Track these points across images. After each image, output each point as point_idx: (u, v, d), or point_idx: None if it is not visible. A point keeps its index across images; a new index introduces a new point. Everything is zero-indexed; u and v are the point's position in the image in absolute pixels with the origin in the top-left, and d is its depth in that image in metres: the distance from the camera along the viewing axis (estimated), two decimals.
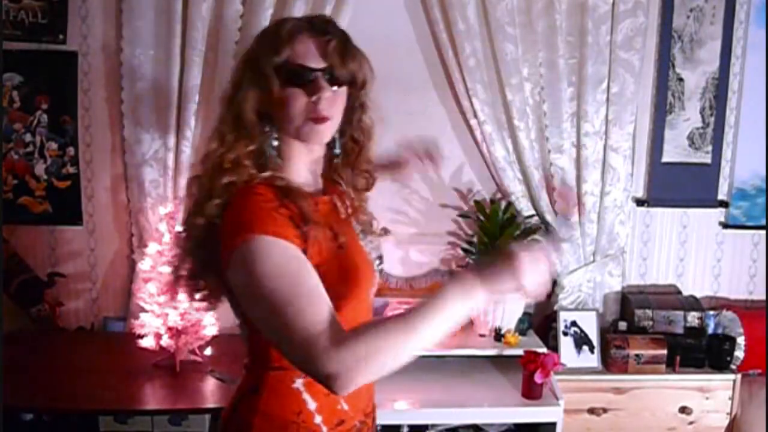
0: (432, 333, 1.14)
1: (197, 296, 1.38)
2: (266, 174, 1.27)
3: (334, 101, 1.27)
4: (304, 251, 1.20)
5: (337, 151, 1.38)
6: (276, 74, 1.24)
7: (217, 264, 1.27)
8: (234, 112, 1.28)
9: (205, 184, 1.29)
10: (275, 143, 1.30)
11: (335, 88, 1.27)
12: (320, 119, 1.26)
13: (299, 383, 1.30)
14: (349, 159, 1.40)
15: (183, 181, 2.49)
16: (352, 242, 1.36)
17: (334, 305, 1.17)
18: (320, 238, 1.24)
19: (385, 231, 1.50)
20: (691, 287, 2.94)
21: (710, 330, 2.75)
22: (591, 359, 2.67)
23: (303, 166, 1.34)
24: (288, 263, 1.17)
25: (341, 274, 1.25)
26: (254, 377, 1.33)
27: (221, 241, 1.23)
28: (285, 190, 1.25)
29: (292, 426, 1.29)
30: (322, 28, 1.27)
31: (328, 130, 1.29)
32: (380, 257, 1.45)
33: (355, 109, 1.34)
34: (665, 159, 2.83)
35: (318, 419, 1.30)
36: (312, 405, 1.30)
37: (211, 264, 1.30)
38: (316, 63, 1.25)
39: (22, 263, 2.58)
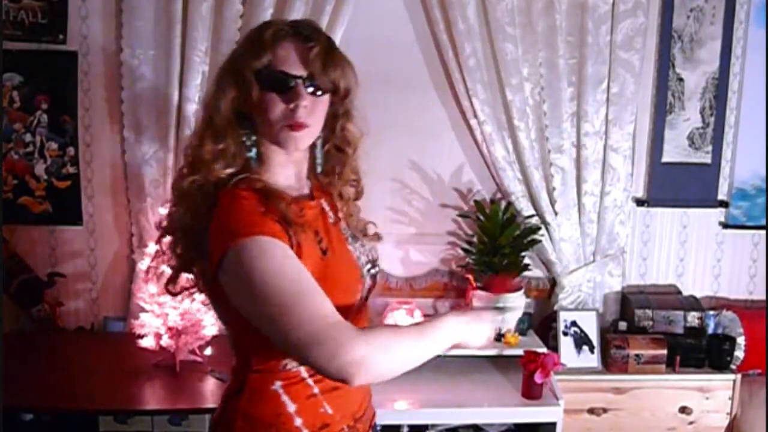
0: (431, 348, 1.20)
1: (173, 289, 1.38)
2: (242, 176, 1.26)
3: (313, 109, 1.26)
4: None
5: (318, 158, 1.37)
6: (256, 78, 1.24)
7: (195, 265, 1.29)
8: (209, 112, 1.28)
9: (175, 186, 1.32)
10: (254, 145, 1.30)
11: (319, 92, 1.26)
12: (297, 126, 1.25)
13: (278, 385, 1.29)
14: (334, 168, 1.39)
15: None
16: (339, 247, 1.35)
17: None
18: (302, 242, 1.23)
19: (378, 237, 1.48)
20: (691, 287, 2.94)
21: (710, 330, 2.75)
22: (591, 359, 2.67)
23: (283, 169, 1.33)
24: (288, 261, 1.17)
25: (323, 280, 1.22)
26: (238, 380, 1.33)
27: (210, 246, 1.22)
28: (264, 193, 1.25)
29: (271, 428, 1.29)
30: (305, 34, 1.26)
31: (306, 137, 1.28)
32: (373, 261, 1.43)
33: (337, 117, 1.33)
34: (665, 159, 2.83)
35: (298, 421, 1.29)
36: (291, 407, 1.29)
37: (193, 265, 1.32)
38: (297, 70, 1.24)
39: (22, 263, 2.58)
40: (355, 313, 1.34)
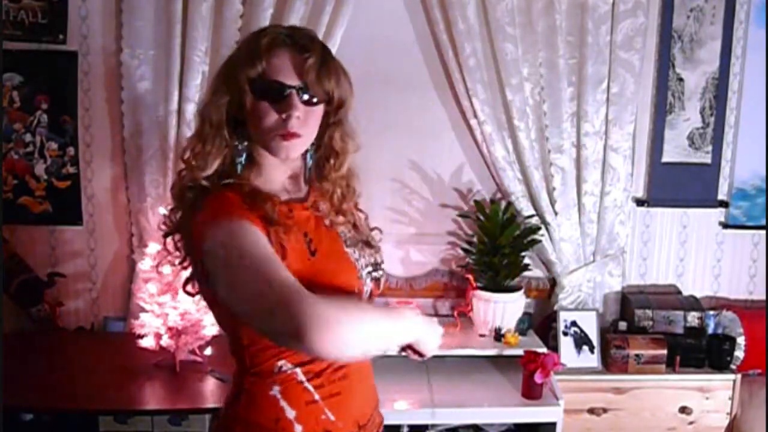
0: (393, 331, 1.21)
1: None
2: (231, 180, 1.27)
3: (306, 119, 1.26)
4: None
5: (309, 165, 1.37)
6: (250, 87, 1.24)
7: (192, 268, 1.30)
8: (203, 116, 1.29)
9: (172, 188, 1.34)
10: (245, 151, 1.30)
11: (314, 100, 1.26)
12: (289, 136, 1.25)
13: (276, 390, 1.28)
14: (325, 175, 1.38)
15: None
16: (333, 249, 1.34)
17: None
18: (285, 242, 1.23)
19: (377, 249, 1.47)
20: (691, 287, 2.94)
21: (710, 330, 2.75)
22: (591, 359, 2.67)
23: (277, 174, 1.33)
24: (260, 242, 1.18)
25: (312, 279, 1.22)
26: (237, 384, 1.33)
27: (194, 240, 1.23)
28: (251, 195, 1.26)
29: None
30: (302, 43, 1.26)
31: (298, 146, 1.28)
32: (375, 264, 1.42)
33: (329, 126, 1.33)
34: (665, 159, 2.83)
35: (298, 428, 1.27)
36: (290, 413, 1.27)
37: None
38: (291, 80, 1.24)
39: (22, 263, 2.58)
40: None
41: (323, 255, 1.30)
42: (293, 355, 1.26)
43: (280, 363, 1.28)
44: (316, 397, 1.29)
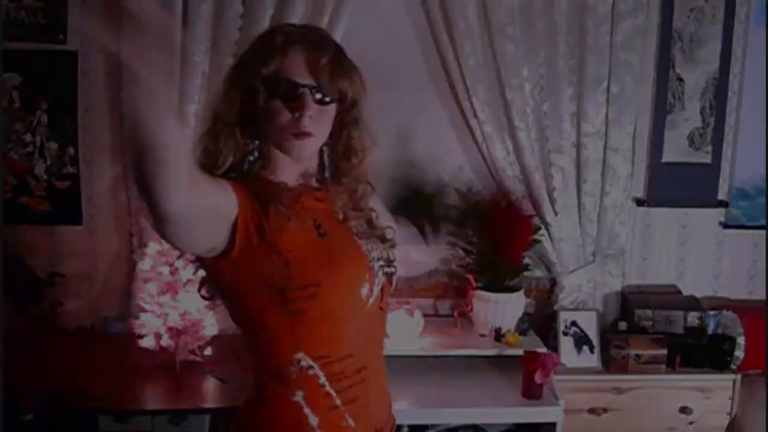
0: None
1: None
2: (234, 175, 1.26)
3: (319, 118, 1.25)
4: (261, 227, 1.19)
5: (326, 164, 1.36)
6: (263, 85, 1.23)
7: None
8: (214, 114, 1.28)
9: None
10: (256, 149, 1.29)
11: (327, 99, 1.25)
12: (301, 135, 1.24)
13: (299, 396, 1.25)
14: (345, 172, 1.37)
15: None
16: (344, 237, 1.33)
17: (312, 289, 1.20)
18: (284, 221, 1.21)
19: (392, 244, 1.46)
20: (691, 287, 2.94)
21: (710, 330, 2.75)
22: (591, 359, 2.67)
23: (288, 171, 1.31)
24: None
25: (322, 256, 1.23)
26: (256, 389, 1.31)
27: None
28: (257, 181, 1.25)
29: None
30: (315, 42, 1.25)
31: (311, 145, 1.27)
32: (387, 260, 1.41)
33: (343, 125, 1.32)
34: (665, 159, 2.83)
35: None
36: (314, 420, 1.25)
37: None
38: (304, 79, 1.23)
39: (22, 263, 2.58)
40: (367, 316, 1.31)
41: (333, 238, 1.29)
42: (309, 345, 1.25)
43: (298, 356, 1.25)
44: (338, 402, 1.27)
